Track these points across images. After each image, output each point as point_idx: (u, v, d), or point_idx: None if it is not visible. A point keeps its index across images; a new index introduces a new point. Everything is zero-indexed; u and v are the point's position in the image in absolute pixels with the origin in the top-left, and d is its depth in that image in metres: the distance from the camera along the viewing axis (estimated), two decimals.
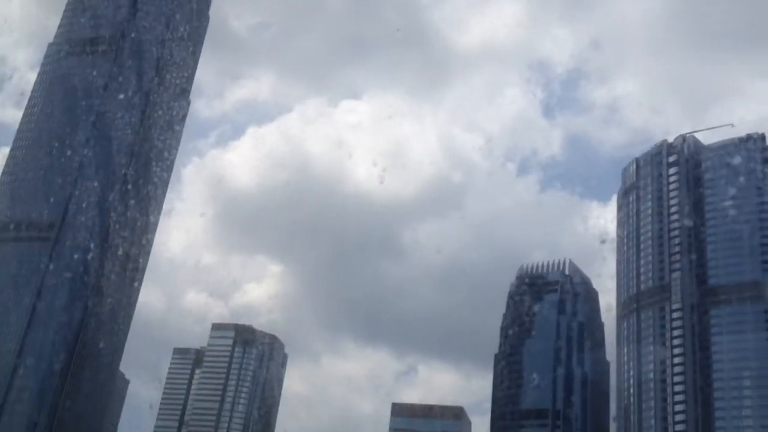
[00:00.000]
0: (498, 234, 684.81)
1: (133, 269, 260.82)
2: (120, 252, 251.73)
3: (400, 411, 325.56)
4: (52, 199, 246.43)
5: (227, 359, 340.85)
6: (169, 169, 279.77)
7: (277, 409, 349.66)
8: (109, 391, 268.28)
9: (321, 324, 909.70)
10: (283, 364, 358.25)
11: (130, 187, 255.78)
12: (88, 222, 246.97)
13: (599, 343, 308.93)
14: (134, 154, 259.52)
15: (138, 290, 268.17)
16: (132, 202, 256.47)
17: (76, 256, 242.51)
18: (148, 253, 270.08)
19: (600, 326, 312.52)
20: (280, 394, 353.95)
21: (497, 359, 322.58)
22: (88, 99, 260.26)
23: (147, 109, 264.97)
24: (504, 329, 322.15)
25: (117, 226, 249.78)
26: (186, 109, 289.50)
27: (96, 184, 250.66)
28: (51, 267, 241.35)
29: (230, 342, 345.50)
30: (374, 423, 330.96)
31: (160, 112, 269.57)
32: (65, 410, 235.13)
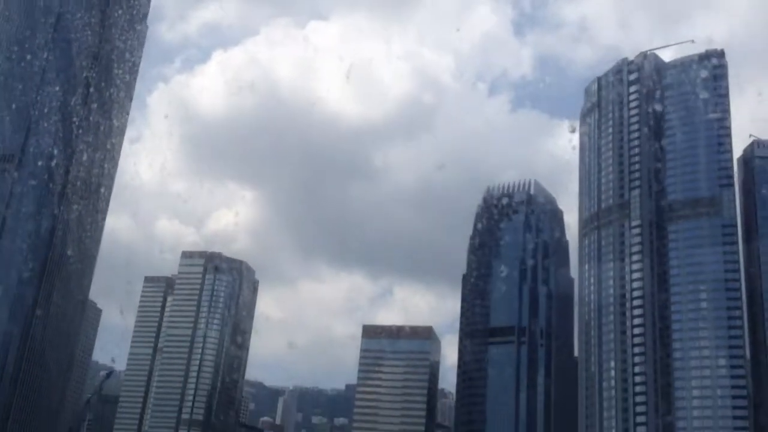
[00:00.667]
0: (469, 155, 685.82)
1: (98, 175, 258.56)
2: (84, 157, 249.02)
3: (370, 333, 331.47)
4: (14, 106, 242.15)
5: (198, 286, 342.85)
6: (133, 71, 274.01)
7: (249, 334, 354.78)
8: (82, 301, 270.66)
9: (295, 249, 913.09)
10: (255, 290, 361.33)
11: (92, 90, 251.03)
12: (50, 128, 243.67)
13: (564, 261, 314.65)
14: (96, 56, 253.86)
15: (107, 198, 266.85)
16: (95, 105, 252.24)
17: (40, 163, 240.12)
18: (114, 159, 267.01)
19: (564, 245, 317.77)
20: (252, 319, 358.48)
21: (465, 279, 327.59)
22: (47, 0, 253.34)
23: (107, 8, 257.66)
24: (471, 250, 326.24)
25: (80, 131, 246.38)
26: (147, 7, 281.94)
27: (57, 88, 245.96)
28: (16, 175, 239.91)
29: (200, 269, 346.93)
30: (350, 345, 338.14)
31: (120, 11, 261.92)
32: (38, 319, 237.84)
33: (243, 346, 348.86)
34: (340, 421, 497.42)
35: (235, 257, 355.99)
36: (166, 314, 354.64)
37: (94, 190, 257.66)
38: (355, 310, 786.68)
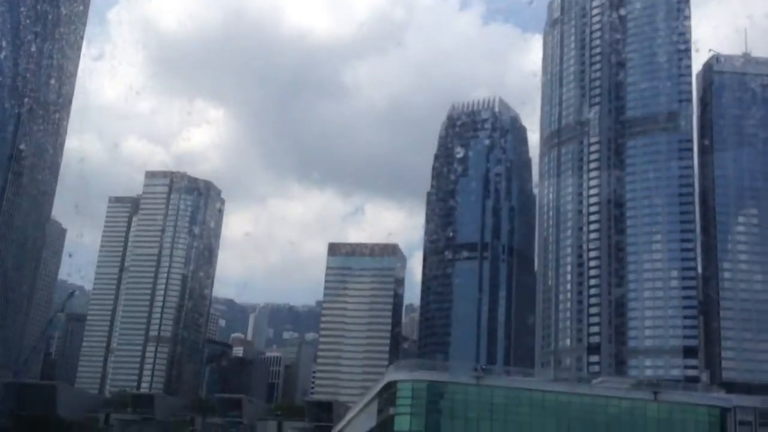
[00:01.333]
0: (439, 72, 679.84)
1: (48, 66, 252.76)
2: (33, 48, 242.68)
3: (336, 250, 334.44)
4: None
5: (163, 206, 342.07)
6: None
7: (216, 253, 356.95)
8: (43, 222, 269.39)
9: (265, 167, 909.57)
10: (221, 210, 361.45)
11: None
12: None
13: (527, 179, 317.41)
14: None
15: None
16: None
17: None
18: (62, 51, 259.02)
19: (528, 162, 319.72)
20: (219, 238, 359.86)
21: (429, 197, 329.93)
22: None
23: None
24: (436, 168, 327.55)
25: (28, 21, 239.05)
26: None
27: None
28: None
29: (165, 189, 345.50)
30: (321, 262, 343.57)
31: None
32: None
33: (210, 265, 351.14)
34: (311, 336, 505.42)
35: (201, 177, 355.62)
36: (131, 234, 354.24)
37: (44, 82, 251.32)
38: (327, 227, 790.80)
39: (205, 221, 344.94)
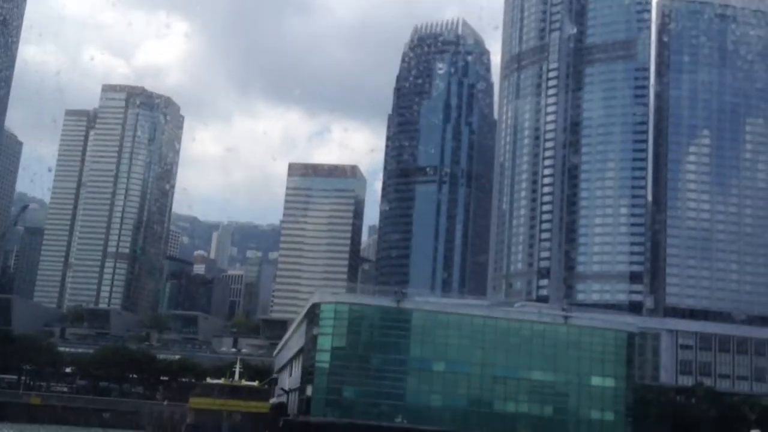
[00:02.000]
0: None
1: None
2: None
3: (296, 170, 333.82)
4: None
5: (121, 121, 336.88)
6: None
7: (176, 170, 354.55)
8: None
9: (230, 83, 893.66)
10: (180, 126, 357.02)
11: None
12: None
13: (488, 102, 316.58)
14: None
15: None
16: None
17: None
18: None
19: (490, 86, 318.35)
20: (178, 155, 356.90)
21: (391, 119, 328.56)
22: None
23: None
24: (397, 90, 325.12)
25: None
26: None
27: None
28: None
29: (123, 104, 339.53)
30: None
31: None
32: None
33: (169, 182, 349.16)
34: (275, 255, 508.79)
35: (163, 92, 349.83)
36: (89, 148, 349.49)
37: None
38: (293, 147, 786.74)
39: (163, 137, 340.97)
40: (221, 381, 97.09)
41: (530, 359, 76.93)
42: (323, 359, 76.63)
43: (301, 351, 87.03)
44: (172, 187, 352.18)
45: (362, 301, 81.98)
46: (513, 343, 77.01)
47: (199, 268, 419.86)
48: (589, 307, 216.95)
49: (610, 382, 76.27)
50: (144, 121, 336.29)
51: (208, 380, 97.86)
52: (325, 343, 76.99)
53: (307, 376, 79.20)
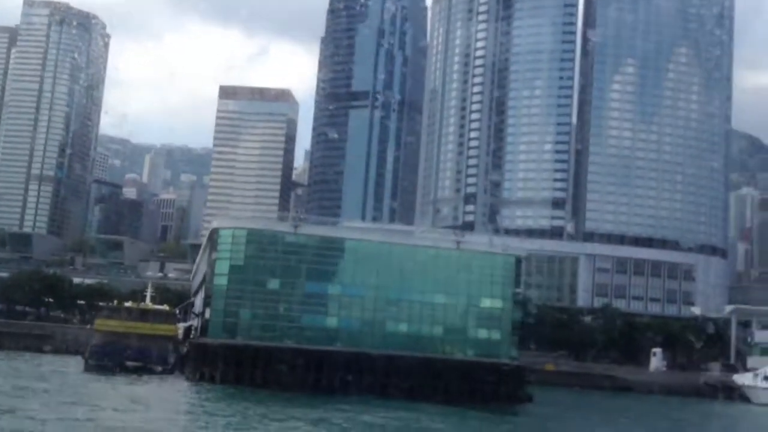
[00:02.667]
0: None
1: None
2: None
3: (227, 93, 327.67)
4: None
5: (44, 39, 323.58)
6: None
7: (102, 90, 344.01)
8: None
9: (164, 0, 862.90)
10: (106, 45, 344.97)
11: None
12: None
13: (422, 27, 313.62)
14: None
15: None
16: None
17: None
18: None
19: (424, 10, 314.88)
20: (104, 75, 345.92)
21: (324, 42, 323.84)
22: None
23: None
24: (331, 12, 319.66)
25: None
26: None
27: None
28: None
29: (46, 20, 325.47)
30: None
31: None
32: None
33: (96, 102, 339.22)
34: (209, 179, 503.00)
35: (86, 9, 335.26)
36: (10, 66, 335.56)
37: None
38: (230, 68, 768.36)
39: (89, 56, 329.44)
40: (129, 304, 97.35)
41: (423, 283, 79.45)
42: (220, 283, 77.63)
43: (204, 276, 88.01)
44: (99, 107, 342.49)
45: (260, 226, 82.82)
46: (407, 268, 79.27)
47: (130, 192, 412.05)
48: (512, 232, 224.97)
49: (498, 304, 79.60)
50: (68, 39, 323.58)
51: (115, 303, 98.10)
52: (222, 267, 77.91)
53: (207, 299, 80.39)
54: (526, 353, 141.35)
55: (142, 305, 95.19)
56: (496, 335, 78.83)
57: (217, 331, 76.61)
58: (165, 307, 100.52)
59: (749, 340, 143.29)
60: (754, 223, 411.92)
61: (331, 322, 77.67)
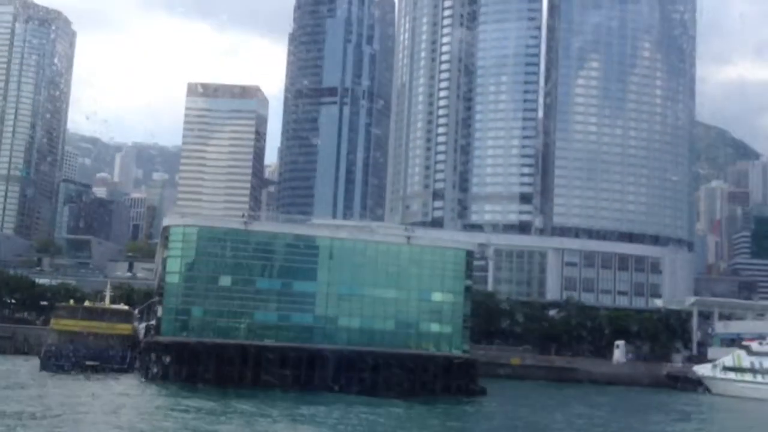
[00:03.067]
0: None
1: None
2: None
3: (195, 91, 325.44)
4: None
5: (8, 36, 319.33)
6: None
7: (69, 88, 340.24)
8: None
9: None
10: (72, 42, 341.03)
11: None
12: None
13: (390, 22, 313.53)
14: None
15: None
16: None
17: None
18: None
19: (391, 4, 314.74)
20: (71, 73, 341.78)
21: (292, 39, 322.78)
22: None
23: None
24: (298, 7, 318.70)
25: None
26: None
27: None
28: None
29: (10, 18, 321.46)
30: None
31: None
32: None
33: (62, 100, 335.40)
34: (179, 176, 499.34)
35: (51, 6, 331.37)
36: None
37: None
38: (201, 65, 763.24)
39: (55, 54, 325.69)
40: (87, 303, 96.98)
41: (374, 278, 79.74)
42: (172, 280, 77.34)
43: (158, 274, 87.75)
44: (67, 106, 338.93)
45: (211, 223, 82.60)
46: (358, 263, 79.56)
47: (100, 191, 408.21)
48: (481, 227, 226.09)
49: (448, 297, 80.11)
50: (33, 36, 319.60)
51: (71, 302, 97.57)
52: (173, 264, 77.60)
53: (159, 297, 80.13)
54: (494, 347, 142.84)
55: (98, 305, 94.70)
56: (447, 329, 79.33)
57: (169, 328, 76.36)
58: (123, 306, 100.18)
59: (710, 331, 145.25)
60: (723, 215, 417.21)
61: (283, 318, 77.76)
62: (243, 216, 79.21)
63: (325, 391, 68.52)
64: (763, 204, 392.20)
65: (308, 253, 79.09)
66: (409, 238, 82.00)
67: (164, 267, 79.18)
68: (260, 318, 77.37)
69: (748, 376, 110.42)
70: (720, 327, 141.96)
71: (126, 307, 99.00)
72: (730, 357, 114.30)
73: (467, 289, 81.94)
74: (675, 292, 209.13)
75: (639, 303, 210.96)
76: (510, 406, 76.94)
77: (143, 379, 75.41)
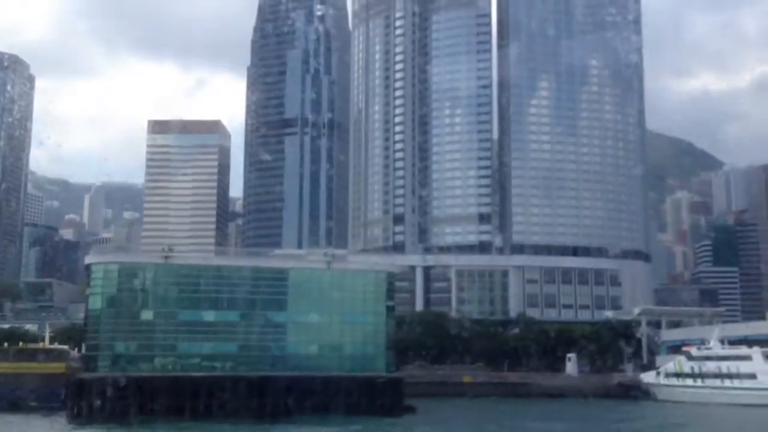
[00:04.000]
0: None
1: None
2: None
3: (156, 128, 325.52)
4: None
5: None
6: None
7: (29, 131, 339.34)
8: None
9: (95, 38, 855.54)
10: (31, 85, 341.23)
11: None
12: None
13: (347, 50, 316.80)
14: None
15: None
16: None
17: None
18: None
19: (347, 33, 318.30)
20: (30, 117, 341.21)
21: (251, 72, 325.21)
22: None
23: None
24: (255, 41, 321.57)
25: None
26: None
27: None
28: None
29: None
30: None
31: None
32: None
33: (24, 143, 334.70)
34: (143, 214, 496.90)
35: (8, 51, 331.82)
36: None
37: None
38: (167, 102, 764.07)
39: (13, 98, 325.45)
40: (21, 345, 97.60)
41: (297, 303, 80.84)
42: (95, 317, 78.05)
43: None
44: (28, 148, 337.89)
45: (131, 258, 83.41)
46: (280, 291, 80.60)
47: (67, 233, 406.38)
48: (442, 249, 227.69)
49: (370, 319, 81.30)
50: None
51: (5, 345, 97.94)
52: (95, 302, 78.33)
53: (84, 334, 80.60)
54: (446, 366, 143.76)
55: (31, 346, 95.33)
56: (371, 350, 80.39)
57: (94, 364, 76.84)
58: (59, 346, 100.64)
59: (656, 339, 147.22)
60: (688, 225, 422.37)
61: (208, 348, 78.49)
62: (163, 250, 79.79)
63: (247, 417, 68.96)
64: (727, 212, 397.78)
65: (231, 284, 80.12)
66: (329, 263, 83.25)
67: (87, 304, 79.78)
68: (185, 349, 78.08)
69: (689, 381, 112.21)
70: (666, 335, 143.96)
71: (63, 347, 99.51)
72: (672, 363, 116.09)
73: (390, 309, 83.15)
74: (635, 303, 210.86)
75: (601, 316, 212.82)
76: (438, 423, 77.81)
77: (69, 418, 75.47)
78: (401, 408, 77.35)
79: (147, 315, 77.98)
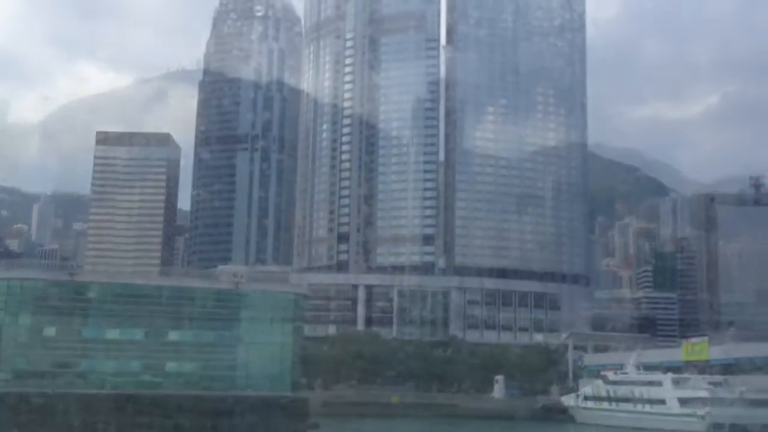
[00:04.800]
0: None
1: None
2: None
3: (104, 140, 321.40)
4: None
5: None
6: None
7: None
8: None
9: (52, 44, 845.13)
10: None
11: None
12: None
13: (298, 68, 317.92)
14: None
15: None
16: None
17: None
18: None
19: (300, 51, 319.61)
20: None
21: (202, 86, 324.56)
22: None
23: None
24: (208, 56, 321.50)
25: None
26: None
27: None
28: None
29: None
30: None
31: None
32: None
33: None
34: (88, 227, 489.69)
35: None
36: None
37: None
38: (125, 112, 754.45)
39: None
40: None
41: (201, 323, 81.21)
42: None
43: None
44: None
45: (35, 275, 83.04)
46: (185, 310, 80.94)
47: (13, 244, 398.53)
48: (385, 269, 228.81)
49: (276, 339, 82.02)
50: None
51: None
52: None
53: None
54: (376, 387, 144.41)
55: None
56: (276, 369, 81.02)
57: None
58: None
59: (579, 363, 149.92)
60: (634, 250, 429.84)
61: (111, 366, 78.28)
62: (72, 267, 79.36)
63: None
64: (672, 239, 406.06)
65: (136, 302, 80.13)
66: (237, 284, 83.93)
67: None
68: (88, 367, 77.71)
69: (605, 404, 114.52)
70: (588, 359, 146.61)
71: None
72: (590, 387, 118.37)
73: (296, 330, 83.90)
74: (572, 327, 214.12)
75: (539, 338, 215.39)
76: None
77: None
78: (303, 429, 77.77)
79: (50, 332, 77.60)
